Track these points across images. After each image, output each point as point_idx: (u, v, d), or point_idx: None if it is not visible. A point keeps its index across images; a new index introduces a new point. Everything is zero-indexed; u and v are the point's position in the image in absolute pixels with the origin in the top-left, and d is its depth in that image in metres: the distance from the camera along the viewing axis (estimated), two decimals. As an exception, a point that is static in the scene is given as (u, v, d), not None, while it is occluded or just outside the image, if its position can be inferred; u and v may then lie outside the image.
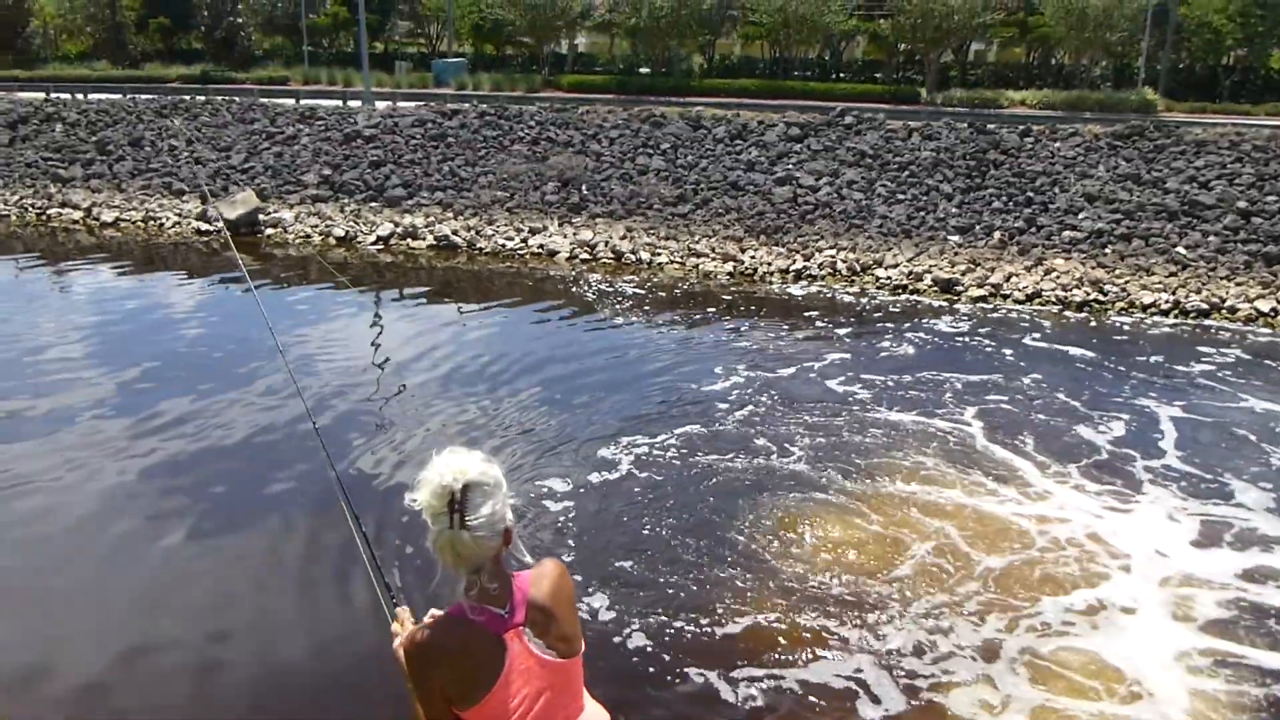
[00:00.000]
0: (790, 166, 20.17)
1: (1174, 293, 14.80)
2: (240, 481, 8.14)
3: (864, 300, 15.05)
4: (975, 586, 6.46)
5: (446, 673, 2.46)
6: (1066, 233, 16.98)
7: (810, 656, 5.70)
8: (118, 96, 28.89)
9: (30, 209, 21.14)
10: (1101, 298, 14.92)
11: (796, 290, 15.61)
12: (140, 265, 16.96)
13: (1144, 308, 14.54)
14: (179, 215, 20.22)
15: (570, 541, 7.03)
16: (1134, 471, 8.51)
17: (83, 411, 9.56)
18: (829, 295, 15.29)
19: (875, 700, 5.35)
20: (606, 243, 17.72)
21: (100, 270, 16.43)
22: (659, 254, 17.30)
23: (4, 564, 6.80)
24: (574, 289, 15.42)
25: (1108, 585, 6.54)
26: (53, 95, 29.33)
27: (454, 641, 2.46)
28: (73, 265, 16.86)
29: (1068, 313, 14.52)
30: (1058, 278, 15.55)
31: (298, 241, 18.76)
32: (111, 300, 14.45)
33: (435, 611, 2.70)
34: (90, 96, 29.62)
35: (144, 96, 28.48)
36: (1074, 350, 12.47)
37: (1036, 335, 13.23)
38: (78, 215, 20.65)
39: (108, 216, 20.39)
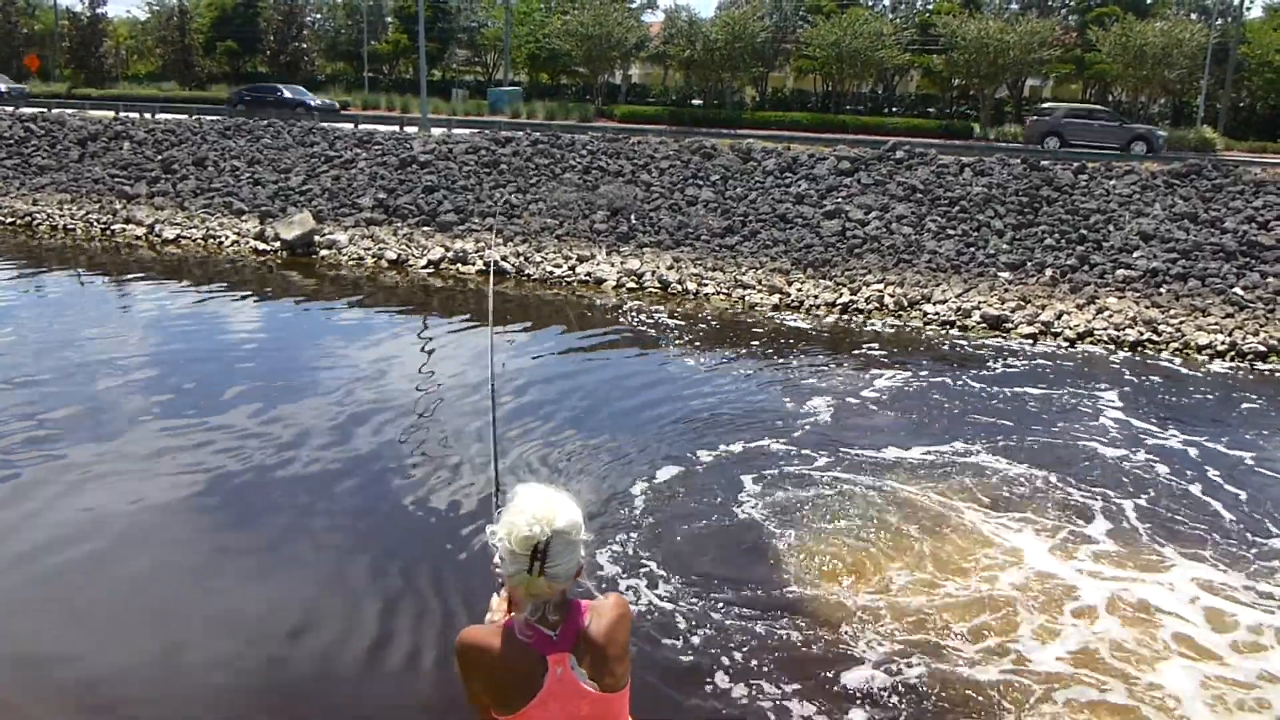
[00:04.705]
0: (840, 200, 20.16)
1: (1231, 334, 14.53)
2: (326, 487, 8.31)
3: (911, 335, 14.97)
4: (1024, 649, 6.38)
5: (484, 677, 2.55)
6: (1120, 271, 16.76)
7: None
8: (184, 117, 29.75)
9: (95, 224, 21.81)
10: (1155, 337, 14.68)
11: (843, 324, 15.57)
12: (200, 281, 17.38)
13: (1199, 348, 14.29)
14: (238, 234, 20.72)
15: (619, 566, 7.05)
16: (1178, 523, 8.35)
17: (149, 424, 9.82)
18: (875, 329, 15.22)
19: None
20: (654, 272, 17.83)
21: (164, 285, 16.88)
22: (705, 284, 17.36)
23: (79, 578, 6.98)
24: (620, 318, 15.53)
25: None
26: (122, 114, 30.26)
27: (496, 651, 2.53)
28: (135, 280, 17.35)
29: (1120, 352, 14.31)
30: (1110, 316, 15.35)
31: (350, 263, 19.12)
32: (177, 314, 14.84)
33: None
34: (158, 116, 30.54)
35: (209, 117, 29.29)
36: (1127, 389, 12.27)
37: (1088, 373, 13.05)
38: (140, 231, 21.26)
39: (169, 233, 20.97)
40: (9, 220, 22.34)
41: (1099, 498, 8.68)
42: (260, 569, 7.13)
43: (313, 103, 40.99)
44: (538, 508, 2.47)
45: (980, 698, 5.69)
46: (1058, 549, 7.56)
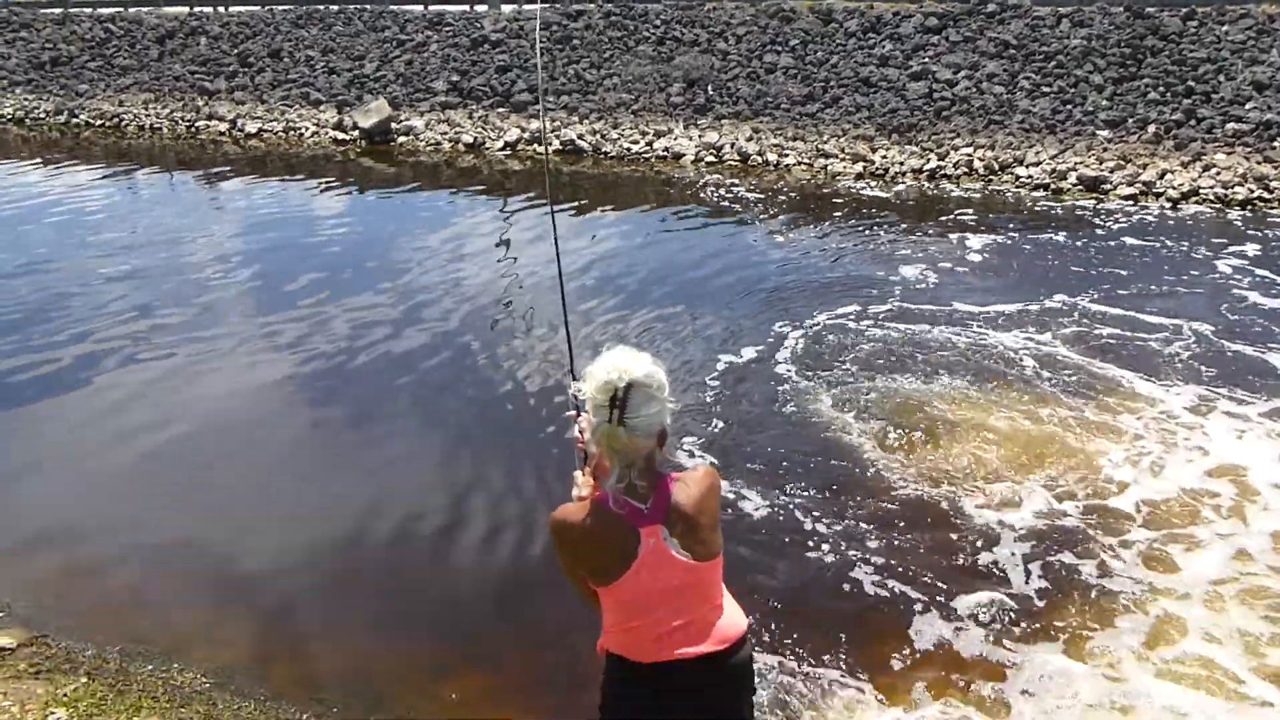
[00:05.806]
0: (926, 60, 19.23)
1: (1352, 188, 13.62)
2: (420, 375, 8.54)
3: (1003, 200, 14.40)
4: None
5: (578, 551, 2.64)
6: (1230, 125, 15.72)
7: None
8: (256, 8, 29.56)
9: (180, 122, 22.11)
10: (1267, 194, 13.85)
11: (930, 190, 15.05)
12: (284, 173, 17.58)
13: (1316, 205, 13.45)
14: (317, 125, 20.81)
15: (705, 440, 7.10)
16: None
17: (239, 311, 10.14)
18: (964, 195, 14.68)
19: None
20: (733, 144, 17.40)
21: (249, 179, 17.17)
22: (786, 155, 16.89)
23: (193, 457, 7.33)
24: (701, 193, 15.25)
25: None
26: (195, 9, 30.23)
27: (590, 525, 2.59)
28: (221, 175, 17.65)
29: (1231, 210, 13.56)
30: (1218, 174, 14.49)
31: (428, 149, 19.09)
32: (263, 207, 15.16)
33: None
34: (231, 9, 30.44)
35: (280, 7, 29.05)
36: (1238, 251, 11.66)
37: (1194, 235, 12.42)
38: (223, 127, 21.51)
39: (251, 128, 21.18)
40: (98, 123, 22.78)
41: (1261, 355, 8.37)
42: (346, 451, 7.36)
43: None
44: (618, 359, 2.54)
45: (1119, 591, 5.64)
46: (1214, 418, 7.32)
